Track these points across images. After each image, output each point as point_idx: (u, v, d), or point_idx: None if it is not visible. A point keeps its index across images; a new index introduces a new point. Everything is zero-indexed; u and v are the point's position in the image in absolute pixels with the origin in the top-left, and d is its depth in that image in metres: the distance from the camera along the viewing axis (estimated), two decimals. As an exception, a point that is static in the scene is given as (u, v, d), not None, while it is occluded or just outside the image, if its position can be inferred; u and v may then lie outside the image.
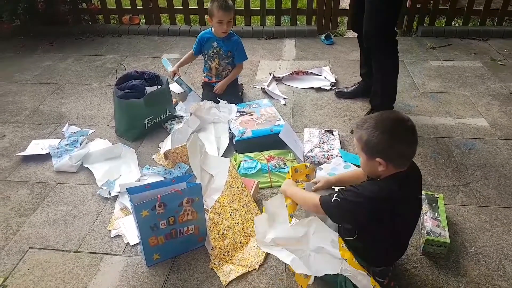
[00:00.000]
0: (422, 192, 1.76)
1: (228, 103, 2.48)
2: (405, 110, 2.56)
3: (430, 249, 1.56)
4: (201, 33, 2.60)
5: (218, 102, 2.50)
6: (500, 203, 1.83)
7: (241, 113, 2.38)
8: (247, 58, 2.67)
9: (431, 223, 1.60)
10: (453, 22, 3.87)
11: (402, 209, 1.25)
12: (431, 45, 3.54)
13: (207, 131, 2.32)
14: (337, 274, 1.41)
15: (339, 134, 2.26)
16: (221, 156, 2.13)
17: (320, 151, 2.09)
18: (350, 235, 1.36)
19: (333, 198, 1.27)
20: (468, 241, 1.64)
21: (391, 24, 2.16)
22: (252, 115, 2.35)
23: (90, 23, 4.07)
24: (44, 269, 1.56)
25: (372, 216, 1.24)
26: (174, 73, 2.65)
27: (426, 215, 1.65)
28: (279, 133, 2.16)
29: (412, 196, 1.31)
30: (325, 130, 2.27)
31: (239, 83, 2.79)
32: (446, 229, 1.58)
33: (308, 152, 2.08)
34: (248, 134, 2.17)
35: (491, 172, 2.02)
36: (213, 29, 2.54)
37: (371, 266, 1.36)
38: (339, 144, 2.17)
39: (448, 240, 1.53)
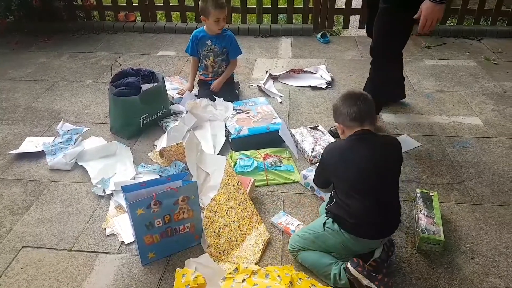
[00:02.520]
0: (417, 190, 1.79)
1: (225, 101, 2.48)
2: (400, 109, 2.57)
3: (425, 247, 1.57)
4: (193, 32, 2.58)
5: (214, 100, 2.49)
6: (494, 201, 1.85)
7: (238, 111, 2.38)
8: (241, 53, 2.66)
9: (425, 221, 1.61)
10: (447, 22, 3.89)
11: (352, 159, 1.42)
12: (426, 44, 3.56)
13: (203, 129, 2.31)
14: (331, 266, 1.42)
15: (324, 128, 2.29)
16: (217, 154, 2.13)
17: (322, 148, 2.10)
18: (330, 201, 1.50)
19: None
20: (463, 238, 1.65)
21: (399, 46, 2.04)
22: (249, 113, 2.35)
23: (85, 20, 4.04)
24: (38, 268, 1.55)
25: (324, 167, 1.51)
26: (190, 90, 2.64)
27: (421, 213, 1.66)
28: (275, 131, 2.16)
29: (366, 150, 1.43)
30: (310, 128, 2.29)
31: (235, 81, 2.79)
32: (441, 227, 1.59)
33: (312, 152, 2.07)
34: (245, 132, 2.17)
35: (485, 170, 2.04)
36: (205, 27, 2.53)
37: (357, 236, 1.37)
38: (332, 138, 2.19)
39: (442, 238, 1.55)
